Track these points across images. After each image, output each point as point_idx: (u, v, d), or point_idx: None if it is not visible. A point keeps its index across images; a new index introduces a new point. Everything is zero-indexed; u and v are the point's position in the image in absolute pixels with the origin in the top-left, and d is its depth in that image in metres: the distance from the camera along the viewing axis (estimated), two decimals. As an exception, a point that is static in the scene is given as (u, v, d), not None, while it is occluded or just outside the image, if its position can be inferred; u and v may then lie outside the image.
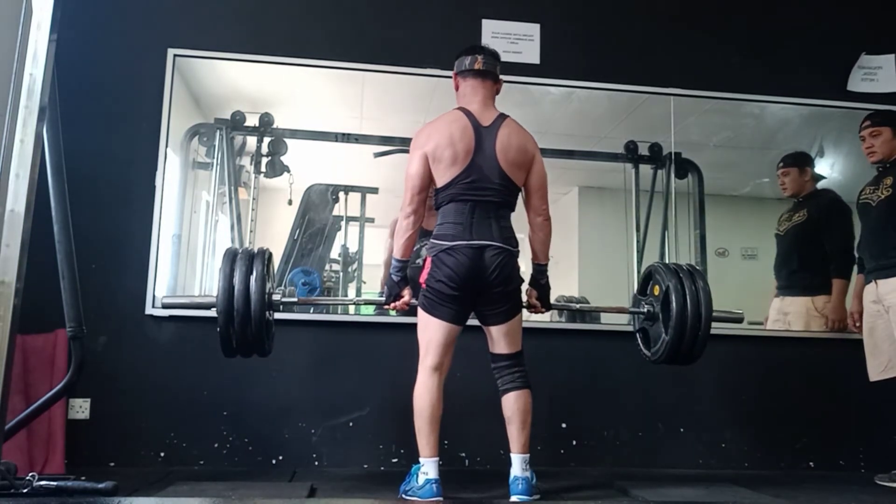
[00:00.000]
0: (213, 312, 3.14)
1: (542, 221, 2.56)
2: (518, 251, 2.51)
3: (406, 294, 2.55)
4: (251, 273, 2.42)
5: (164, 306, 2.57)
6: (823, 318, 3.47)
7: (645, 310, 2.77)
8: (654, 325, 2.74)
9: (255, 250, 2.51)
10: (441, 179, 2.47)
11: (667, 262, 2.75)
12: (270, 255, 2.57)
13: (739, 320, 2.83)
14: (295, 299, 2.60)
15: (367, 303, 2.65)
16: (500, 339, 2.49)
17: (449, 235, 2.43)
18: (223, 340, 2.43)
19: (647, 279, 2.83)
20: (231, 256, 2.47)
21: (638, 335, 2.84)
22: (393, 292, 2.55)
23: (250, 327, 2.41)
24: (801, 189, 3.66)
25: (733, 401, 3.44)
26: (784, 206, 3.70)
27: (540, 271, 2.62)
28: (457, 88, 2.65)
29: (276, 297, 2.54)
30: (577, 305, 2.79)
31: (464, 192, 2.45)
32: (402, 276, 2.54)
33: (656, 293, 2.74)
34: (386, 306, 2.60)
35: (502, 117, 2.55)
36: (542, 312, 2.68)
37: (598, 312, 2.86)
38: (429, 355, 2.44)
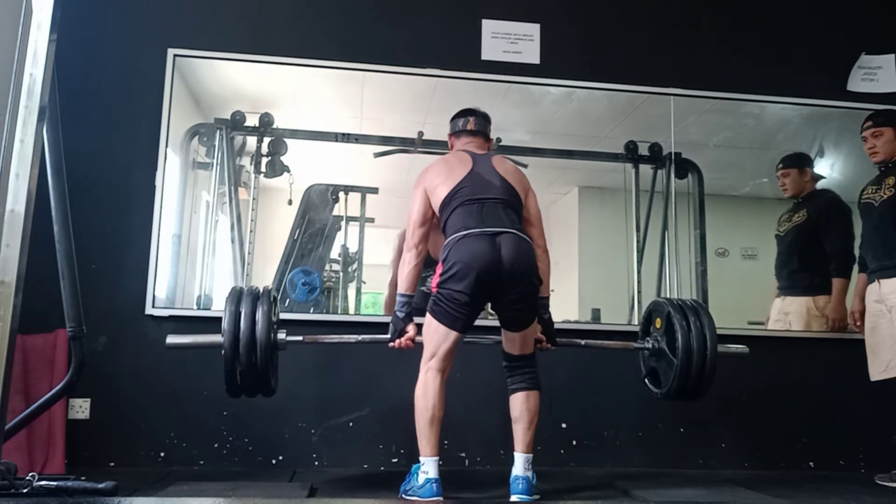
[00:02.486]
0: (215, 312, 3.16)
1: (540, 253, 2.56)
2: (532, 247, 2.47)
3: (411, 330, 2.54)
4: (257, 311, 2.43)
5: (169, 347, 2.58)
6: (824, 317, 3.47)
7: (649, 345, 2.77)
8: (660, 361, 2.74)
9: (261, 290, 2.53)
10: (440, 197, 2.49)
11: (669, 297, 2.78)
12: (275, 294, 2.59)
13: (744, 354, 2.83)
14: (300, 338, 2.62)
15: (372, 340, 2.66)
16: (515, 340, 2.50)
17: (461, 227, 2.41)
18: (228, 380, 2.44)
19: (648, 317, 2.84)
20: (236, 296, 2.48)
21: (646, 380, 2.85)
22: (398, 328, 2.55)
23: (256, 368, 2.42)
24: (801, 189, 3.66)
25: (733, 401, 3.43)
26: (784, 207, 3.70)
27: (542, 305, 2.60)
28: (451, 148, 2.76)
29: (280, 336, 2.55)
30: (584, 342, 2.82)
31: (468, 197, 2.46)
32: (406, 311, 2.53)
33: (658, 326, 2.74)
34: (391, 344, 2.57)
35: (495, 152, 2.66)
36: (548, 349, 2.66)
37: (603, 346, 2.89)
38: (434, 359, 2.44)
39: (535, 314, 2.50)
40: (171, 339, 2.59)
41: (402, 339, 2.54)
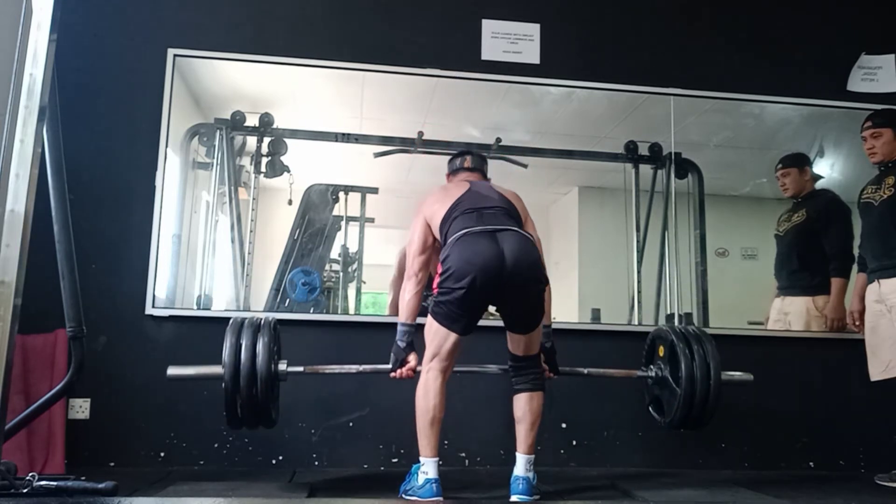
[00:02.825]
0: (215, 312, 3.17)
1: None
2: (536, 245, 2.45)
3: (412, 360, 2.53)
4: (258, 341, 2.43)
5: (170, 378, 2.58)
6: (824, 318, 3.47)
7: (653, 373, 2.77)
8: (664, 390, 2.74)
9: (262, 321, 2.52)
10: (440, 215, 2.49)
11: (672, 324, 2.79)
12: (276, 325, 2.59)
13: (748, 381, 2.82)
14: (301, 369, 2.62)
15: (374, 371, 2.66)
16: (520, 342, 2.49)
17: (459, 228, 2.40)
18: (229, 412, 2.44)
19: (652, 345, 2.85)
20: (237, 327, 2.48)
21: (650, 408, 2.85)
22: (399, 358, 2.54)
23: (256, 400, 2.41)
24: (801, 189, 3.66)
25: (733, 401, 3.42)
26: (784, 207, 3.70)
27: (545, 334, 2.60)
28: None
29: (282, 367, 2.55)
30: (586, 371, 2.82)
31: (467, 207, 2.47)
32: (407, 341, 2.53)
33: (662, 354, 2.74)
34: (392, 375, 2.57)
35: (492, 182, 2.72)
36: (552, 378, 2.66)
37: (607, 375, 2.89)
38: (435, 359, 2.44)
39: (542, 315, 2.48)
40: (172, 371, 2.58)
41: (404, 370, 2.54)
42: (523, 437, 2.45)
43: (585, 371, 2.82)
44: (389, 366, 2.56)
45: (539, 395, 2.49)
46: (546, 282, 2.46)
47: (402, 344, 2.53)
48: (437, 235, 2.53)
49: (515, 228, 2.41)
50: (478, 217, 2.43)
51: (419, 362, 2.51)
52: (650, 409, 2.85)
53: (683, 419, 2.64)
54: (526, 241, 2.39)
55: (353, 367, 2.70)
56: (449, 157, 2.84)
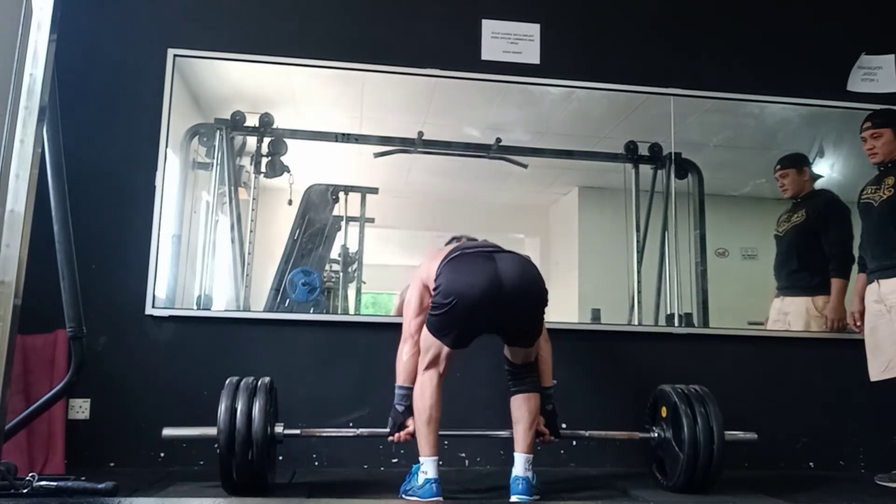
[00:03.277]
0: (215, 312, 3.15)
1: (541, 342, 2.56)
2: (535, 265, 2.45)
3: (410, 424, 2.52)
4: (252, 409, 2.41)
5: (165, 439, 2.57)
6: (823, 318, 3.47)
7: (655, 434, 2.77)
8: (667, 451, 2.72)
9: (258, 383, 2.51)
10: (434, 266, 2.44)
11: (674, 385, 2.76)
12: (273, 386, 2.58)
13: (752, 441, 2.80)
14: (298, 431, 2.61)
15: (371, 435, 2.67)
16: (519, 353, 2.51)
17: (455, 252, 2.41)
18: (224, 475, 2.40)
19: (654, 405, 2.83)
20: (232, 389, 2.46)
21: (654, 468, 2.83)
22: (397, 422, 2.55)
23: (252, 465, 2.39)
24: (801, 189, 3.66)
25: (733, 401, 3.41)
26: (783, 207, 3.70)
27: (545, 396, 2.60)
28: None
29: (278, 429, 2.55)
30: (588, 433, 2.82)
31: (465, 247, 2.47)
32: (406, 405, 2.52)
33: (664, 415, 2.73)
34: (390, 438, 2.57)
35: None
36: (551, 441, 2.67)
37: (609, 437, 2.89)
38: (432, 364, 2.44)
39: (542, 327, 2.49)
40: (167, 432, 2.57)
41: (402, 434, 2.54)
42: (521, 437, 2.46)
43: (587, 434, 2.82)
44: (388, 429, 2.58)
45: (536, 396, 2.51)
46: (546, 297, 2.43)
47: (399, 408, 2.54)
48: (433, 286, 2.45)
49: (512, 251, 2.42)
50: (474, 248, 2.46)
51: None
52: (653, 469, 2.83)
53: (686, 483, 2.60)
54: (524, 260, 2.41)
55: (351, 431, 2.74)
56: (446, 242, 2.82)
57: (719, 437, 2.55)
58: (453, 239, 2.81)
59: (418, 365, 2.47)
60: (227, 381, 2.51)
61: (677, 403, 2.63)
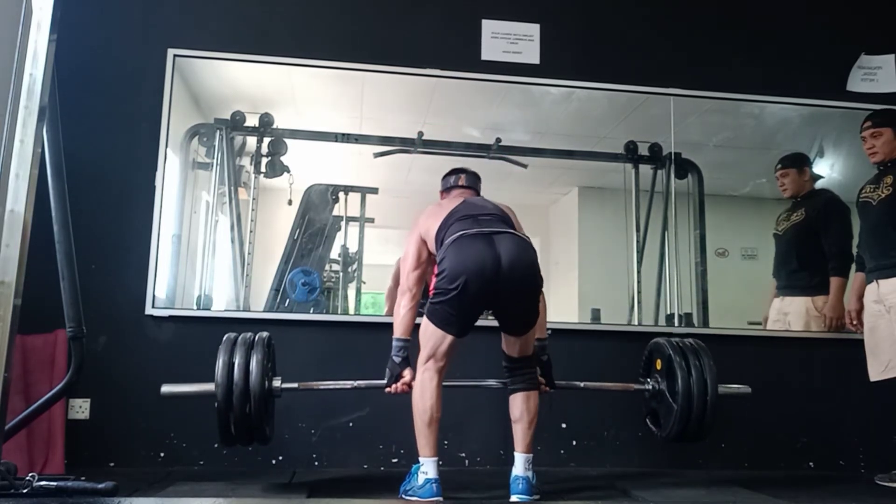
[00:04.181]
0: (215, 312, 3.16)
1: None
2: (534, 248, 2.45)
3: (407, 375, 2.52)
4: (251, 359, 2.42)
5: (164, 396, 2.58)
6: (823, 317, 3.47)
7: (650, 386, 2.77)
8: (661, 403, 2.73)
9: (256, 338, 2.51)
10: (435, 227, 2.48)
11: (669, 338, 2.78)
12: (270, 341, 2.58)
13: (746, 394, 2.82)
14: (296, 385, 2.61)
15: (368, 386, 2.66)
16: (515, 343, 2.50)
17: (456, 231, 2.40)
18: (222, 429, 2.42)
19: (649, 357, 2.84)
20: (230, 344, 2.47)
21: (648, 420, 2.85)
22: (394, 373, 2.54)
23: (250, 418, 2.40)
24: (800, 189, 3.66)
25: (733, 401, 3.42)
26: (783, 206, 3.69)
27: (540, 347, 2.61)
28: None
29: (276, 384, 2.55)
30: (582, 384, 2.82)
31: (463, 215, 2.47)
32: (403, 356, 2.53)
33: (659, 367, 2.74)
34: (387, 390, 2.56)
35: None
36: (548, 391, 2.66)
37: (603, 388, 2.90)
38: (431, 360, 2.43)
39: (537, 317, 2.48)
40: (166, 389, 2.58)
41: (399, 385, 2.53)
42: (521, 437, 2.45)
43: (581, 384, 2.82)
44: (385, 381, 2.56)
45: (535, 395, 2.49)
46: (541, 284, 2.45)
47: (397, 359, 2.53)
48: (433, 248, 2.52)
49: (512, 231, 2.41)
50: (473, 221, 2.43)
51: (413, 377, 2.50)
52: (647, 421, 2.84)
53: (680, 433, 2.64)
54: (523, 243, 2.40)
55: (349, 383, 2.71)
56: (443, 175, 2.82)
57: (713, 388, 2.58)
58: (453, 174, 2.78)
59: (419, 363, 2.47)
60: (224, 337, 2.52)
61: (672, 355, 2.65)
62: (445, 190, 2.79)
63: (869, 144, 3.21)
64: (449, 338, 2.40)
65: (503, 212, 2.55)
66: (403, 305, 2.52)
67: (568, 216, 3.88)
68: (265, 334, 2.56)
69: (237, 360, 2.42)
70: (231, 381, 2.38)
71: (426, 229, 2.54)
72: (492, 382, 2.69)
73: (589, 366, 3.37)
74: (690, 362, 2.62)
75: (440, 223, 2.48)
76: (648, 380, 2.81)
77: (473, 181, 2.78)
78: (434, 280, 2.43)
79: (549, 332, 2.67)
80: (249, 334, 2.55)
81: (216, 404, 2.40)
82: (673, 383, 2.63)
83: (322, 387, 2.77)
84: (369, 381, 2.64)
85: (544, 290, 2.49)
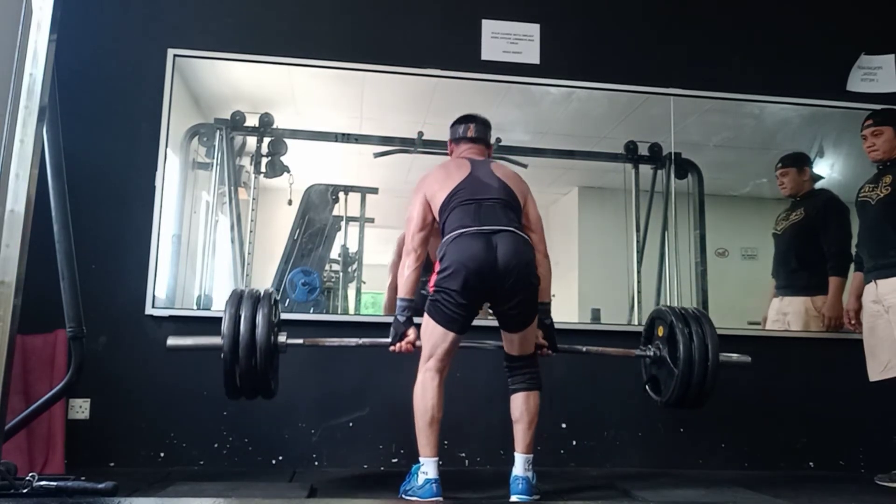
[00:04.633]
0: (215, 312, 3.16)
1: (541, 258, 2.54)
2: (531, 245, 2.47)
3: (411, 334, 2.53)
4: (257, 313, 2.43)
5: (169, 348, 2.58)
6: (822, 317, 3.47)
7: (651, 353, 2.78)
8: (661, 368, 2.74)
9: (262, 292, 2.53)
10: (440, 200, 2.49)
11: (671, 305, 2.78)
12: (276, 297, 2.59)
13: (746, 363, 2.82)
14: (301, 341, 2.62)
15: (372, 344, 2.66)
16: (515, 342, 2.50)
17: (457, 226, 2.41)
18: (227, 382, 2.44)
19: (651, 324, 2.84)
20: (236, 299, 2.48)
21: (647, 386, 2.84)
22: (398, 332, 2.54)
23: (255, 371, 2.41)
24: (799, 189, 3.66)
25: (733, 401, 3.42)
26: (783, 206, 3.70)
27: (543, 311, 2.59)
28: (451, 154, 2.76)
29: (281, 339, 2.55)
30: (584, 349, 2.83)
31: (465, 198, 2.46)
32: (407, 315, 2.53)
33: (661, 334, 2.74)
34: (391, 348, 2.56)
35: (494, 159, 2.68)
36: (549, 354, 2.66)
37: (605, 353, 2.89)
38: (432, 359, 2.44)
39: (534, 314, 2.49)
40: (172, 341, 2.59)
41: (403, 343, 2.53)
42: (521, 437, 2.45)
43: (584, 349, 2.83)
44: (389, 339, 2.57)
45: (535, 395, 2.49)
46: (538, 281, 2.46)
47: (401, 318, 2.53)
48: (436, 216, 2.53)
49: (511, 229, 2.41)
50: (475, 211, 2.43)
51: (417, 336, 2.52)
52: (647, 387, 2.84)
53: (680, 399, 2.65)
54: (520, 241, 2.40)
55: (353, 341, 2.70)
56: (452, 122, 2.76)
57: (714, 355, 2.58)
58: (462, 123, 2.72)
59: (420, 362, 2.47)
60: (231, 292, 2.54)
61: (674, 322, 2.65)
62: (454, 140, 2.74)
63: (869, 142, 3.21)
64: (450, 335, 2.40)
65: (508, 190, 2.52)
66: (408, 266, 2.51)
67: (568, 216, 3.88)
68: (272, 290, 2.58)
69: (244, 314, 2.43)
70: (237, 334, 2.40)
71: (432, 194, 2.53)
72: (488, 343, 2.68)
73: (589, 365, 3.37)
74: (692, 329, 2.62)
75: (444, 197, 2.48)
76: (649, 346, 2.81)
77: (483, 131, 2.73)
78: (434, 276, 2.44)
79: (554, 295, 2.66)
80: (255, 288, 2.57)
81: (222, 356, 2.41)
82: (674, 350, 2.63)
83: (327, 343, 2.77)
84: (374, 339, 2.64)
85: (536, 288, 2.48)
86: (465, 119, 2.74)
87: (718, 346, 2.61)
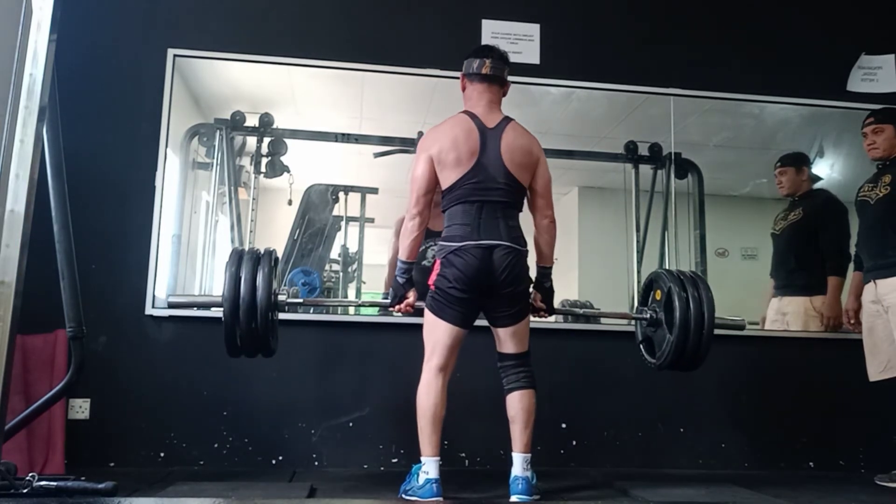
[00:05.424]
0: (214, 312, 3.16)
1: (547, 224, 2.56)
2: (527, 251, 2.50)
3: (411, 296, 2.55)
4: (258, 273, 2.43)
5: (171, 305, 2.58)
6: (821, 317, 3.47)
7: (647, 315, 2.77)
8: (657, 331, 2.74)
9: (262, 251, 2.53)
10: (446, 181, 2.48)
11: (668, 268, 2.76)
12: (277, 256, 2.59)
13: (741, 327, 2.83)
14: (300, 300, 2.62)
15: (372, 304, 2.66)
16: (507, 340, 2.50)
17: (457, 237, 2.43)
18: (228, 339, 2.44)
19: (648, 287, 2.84)
20: (237, 256, 2.49)
21: (641, 346, 2.84)
22: (398, 294, 2.55)
23: (256, 326, 2.42)
24: (797, 188, 3.67)
25: (733, 401, 3.44)
26: (783, 206, 3.70)
27: (544, 274, 2.62)
28: (463, 89, 2.64)
29: (281, 297, 2.56)
30: (581, 311, 2.81)
31: (470, 193, 2.45)
32: (407, 277, 2.54)
33: (658, 298, 2.74)
34: (391, 308, 2.59)
35: (507, 120, 2.55)
36: (546, 316, 2.68)
37: (601, 318, 2.87)
38: (434, 356, 2.44)
39: (526, 314, 2.52)
40: (173, 299, 2.60)
41: (403, 304, 2.55)
42: (518, 436, 2.45)
43: (580, 311, 2.82)
44: (388, 300, 2.58)
45: (531, 393, 2.48)
46: (528, 287, 2.53)
47: (401, 280, 2.54)
48: (440, 183, 2.49)
49: (507, 243, 2.41)
50: (477, 214, 2.43)
51: (417, 298, 2.53)
52: (640, 348, 2.84)
53: (674, 362, 2.65)
54: (513, 256, 2.42)
55: (353, 302, 2.70)
56: (467, 55, 2.59)
57: (709, 320, 2.59)
58: (477, 58, 2.54)
59: (424, 361, 2.47)
60: (231, 251, 2.54)
61: (672, 286, 2.65)
62: (467, 75, 2.57)
63: (870, 140, 3.21)
64: (451, 330, 2.42)
65: (511, 185, 2.47)
66: (411, 230, 2.48)
67: (568, 216, 3.88)
68: (272, 249, 2.58)
69: (244, 275, 2.43)
70: (238, 293, 2.40)
71: (439, 159, 2.45)
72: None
73: (588, 365, 3.38)
74: (689, 293, 2.62)
75: (451, 181, 2.45)
76: (646, 309, 2.81)
77: (500, 68, 2.54)
78: (434, 275, 2.46)
79: (557, 259, 2.67)
80: (255, 248, 2.57)
81: (223, 316, 2.41)
82: (671, 312, 2.63)
83: (327, 303, 2.76)
84: (374, 299, 2.64)
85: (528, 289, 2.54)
86: (481, 52, 2.58)
87: (714, 311, 2.61)
